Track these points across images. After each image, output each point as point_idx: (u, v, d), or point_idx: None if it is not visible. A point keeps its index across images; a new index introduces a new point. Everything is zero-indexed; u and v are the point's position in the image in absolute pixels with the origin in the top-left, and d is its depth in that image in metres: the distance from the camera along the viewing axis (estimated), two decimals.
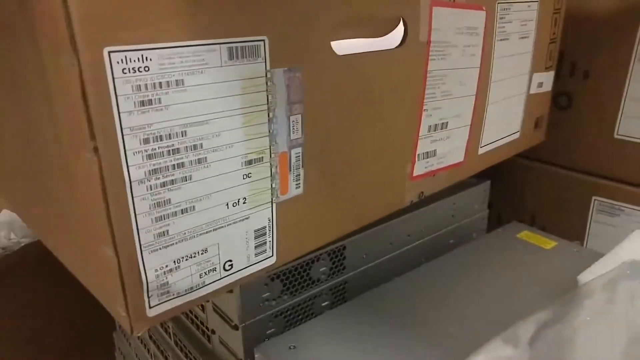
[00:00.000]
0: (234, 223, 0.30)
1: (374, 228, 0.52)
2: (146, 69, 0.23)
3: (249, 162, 0.29)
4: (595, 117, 0.65)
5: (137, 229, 0.25)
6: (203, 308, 0.49)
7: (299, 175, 0.33)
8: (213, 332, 0.49)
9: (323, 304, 0.50)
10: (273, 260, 0.34)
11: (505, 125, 0.54)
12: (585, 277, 0.42)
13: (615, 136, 0.64)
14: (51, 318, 0.87)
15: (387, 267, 0.54)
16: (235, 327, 0.44)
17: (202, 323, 0.51)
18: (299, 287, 0.47)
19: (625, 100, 0.61)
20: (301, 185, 0.33)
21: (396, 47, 0.36)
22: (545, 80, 0.58)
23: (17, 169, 0.38)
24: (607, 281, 0.41)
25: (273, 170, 0.31)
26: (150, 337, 0.63)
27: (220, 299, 0.45)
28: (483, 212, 0.65)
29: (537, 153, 0.69)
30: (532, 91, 0.56)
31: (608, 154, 0.65)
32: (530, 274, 0.50)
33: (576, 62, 0.64)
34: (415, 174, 0.44)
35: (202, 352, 0.51)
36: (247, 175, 0.29)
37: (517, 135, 0.56)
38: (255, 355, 0.42)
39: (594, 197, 0.67)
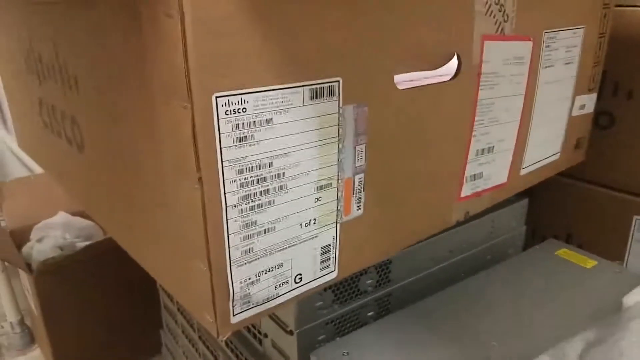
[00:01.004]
0: (305, 241, 0.33)
1: (418, 244, 0.55)
2: (244, 110, 0.27)
3: (320, 187, 0.33)
4: (637, 136, 0.66)
5: (229, 246, 0.29)
6: None
7: (360, 198, 0.36)
8: (266, 335, 0.53)
9: (369, 314, 0.53)
10: (335, 274, 0.37)
11: (547, 147, 0.56)
12: (630, 299, 0.44)
13: None
14: (103, 314, 0.93)
15: (428, 281, 0.56)
16: (291, 333, 0.47)
17: (254, 327, 0.55)
18: (348, 297, 0.50)
19: None
20: (362, 207, 0.36)
21: (450, 80, 0.39)
22: (588, 102, 0.60)
23: (103, 184, 0.42)
24: None
25: (339, 194, 0.34)
26: (200, 337, 0.68)
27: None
28: (520, 229, 0.67)
29: (576, 171, 0.70)
30: (574, 113, 0.58)
31: None
32: (571, 292, 0.52)
33: (619, 81, 0.66)
34: (462, 195, 0.46)
35: (252, 354, 0.55)
36: (318, 199, 0.33)
37: (557, 156, 0.58)
38: (311, 359, 0.45)
39: (635, 217, 0.68)
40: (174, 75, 0.25)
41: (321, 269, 0.36)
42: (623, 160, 0.68)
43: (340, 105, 0.32)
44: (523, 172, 0.54)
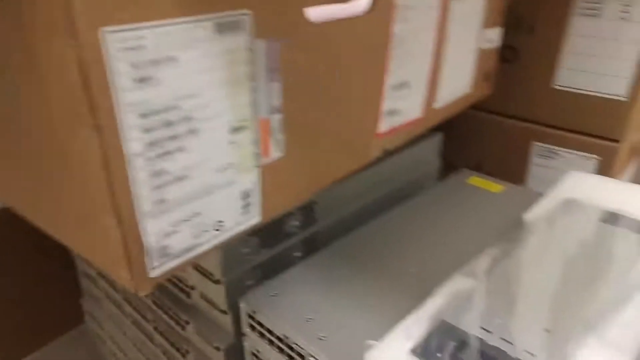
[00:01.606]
0: (224, 187, 0.32)
1: (340, 183, 0.56)
2: (142, 47, 0.24)
3: (235, 130, 0.31)
4: (536, 69, 0.70)
5: (137, 198, 0.27)
6: None
7: (279, 139, 0.35)
8: (193, 288, 0.52)
9: (296, 255, 0.53)
10: (258, 219, 0.36)
11: (458, 81, 0.57)
12: (529, 215, 0.48)
13: (554, 87, 0.69)
14: (17, 288, 0.86)
15: (353, 218, 0.58)
16: (218, 282, 0.47)
17: (180, 280, 0.53)
18: (274, 240, 0.50)
19: (564, 54, 0.67)
20: (281, 148, 0.35)
21: (364, 13, 0.38)
22: (494, 36, 0.62)
23: None
24: (548, 218, 0.47)
25: (256, 136, 0.33)
26: (125, 299, 0.65)
27: (201, 258, 0.48)
28: (436, 163, 0.70)
29: (483, 103, 0.74)
30: (483, 47, 0.59)
31: (546, 103, 0.71)
32: (481, 215, 0.56)
33: (522, 17, 0.68)
34: (380, 131, 0.47)
35: (182, 309, 0.54)
36: (234, 142, 0.31)
37: (468, 90, 0.60)
38: (241, 305, 0.45)
39: (533, 142, 0.73)
40: (54, 7, 0.22)
41: (243, 215, 0.35)
42: (524, 92, 0.72)
43: (251, 40, 0.29)
44: (437, 106, 0.55)
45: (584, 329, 0.35)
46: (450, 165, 0.81)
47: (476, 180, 0.64)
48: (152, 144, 0.26)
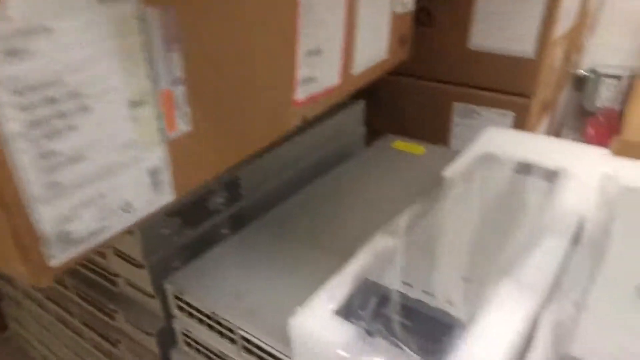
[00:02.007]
0: (128, 166, 0.30)
1: (262, 156, 0.55)
2: (7, 17, 0.22)
3: (134, 104, 0.29)
4: (451, 31, 0.71)
5: (24, 183, 0.25)
6: (103, 255, 0.49)
7: (186, 112, 0.33)
8: (117, 275, 0.50)
9: (224, 232, 0.52)
10: (171, 196, 0.35)
11: (374, 46, 0.57)
12: (448, 172, 0.49)
13: (469, 48, 0.71)
14: None
15: (280, 191, 0.57)
16: (141, 266, 0.45)
17: (103, 269, 0.51)
18: (199, 219, 0.49)
19: (475, 15, 0.68)
20: (190, 121, 0.34)
21: None
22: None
23: None
24: (466, 172, 0.49)
25: (159, 110, 0.31)
26: (48, 297, 0.62)
27: (120, 242, 0.46)
28: (360, 130, 0.70)
29: (402, 68, 0.75)
30: (396, 11, 0.60)
31: (463, 64, 0.73)
32: (405, 177, 0.57)
33: None
34: (297, 99, 0.46)
35: (109, 298, 0.52)
36: (133, 118, 0.30)
37: (385, 55, 0.60)
38: (166, 287, 0.44)
39: (454, 103, 0.75)
40: None
41: (154, 193, 0.33)
42: (441, 54, 0.74)
43: (140, 8, 0.28)
44: (355, 72, 0.55)
45: (500, 274, 0.37)
46: (376, 132, 0.82)
47: (400, 144, 0.65)
48: (34, 124, 0.24)
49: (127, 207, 0.32)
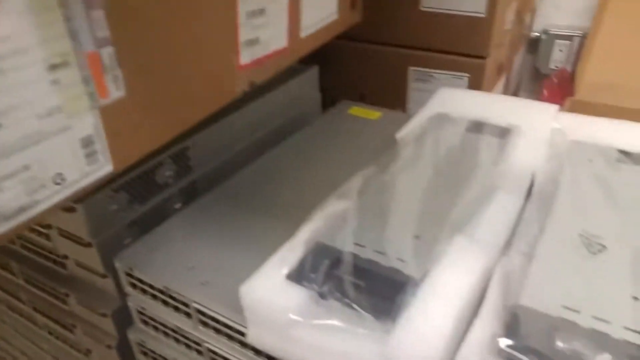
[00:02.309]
0: (54, 134, 0.28)
1: (212, 125, 0.53)
2: None
3: (54, 67, 0.27)
4: None
5: None
6: (48, 237, 0.47)
7: (117, 75, 0.31)
8: (66, 257, 0.48)
9: (176, 207, 0.51)
10: (110, 167, 0.33)
11: (323, 8, 0.56)
12: (401, 134, 0.49)
13: (421, 9, 0.70)
14: None
15: (234, 162, 0.55)
16: (89, 245, 0.43)
17: (50, 252, 0.49)
18: (147, 194, 0.47)
19: None
20: (122, 86, 0.32)
21: None
22: None
23: None
24: (418, 133, 0.48)
25: (84, 73, 0.29)
26: None
27: (65, 222, 0.44)
28: (316, 97, 0.69)
29: (357, 33, 0.73)
30: None
31: (417, 27, 0.72)
32: (360, 142, 0.57)
33: None
34: (242, 63, 0.44)
35: (60, 282, 0.50)
36: (55, 82, 0.27)
37: (335, 16, 0.59)
38: (116, 265, 0.42)
39: (410, 68, 0.75)
40: None
41: (89, 164, 0.31)
42: (395, 17, 0.73)
43: None
44: (303, 34, 0.53)
45: (452, 231, 0.37)
46: (334, 100, 0.81)
47: (356, 110, 0.64)
48: None
49: (58, 179, 0.30)
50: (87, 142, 0.31)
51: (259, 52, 0.46)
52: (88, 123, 0.30)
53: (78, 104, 0.29)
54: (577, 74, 0.88)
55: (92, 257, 0.44)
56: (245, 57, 0.44)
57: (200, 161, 0.52)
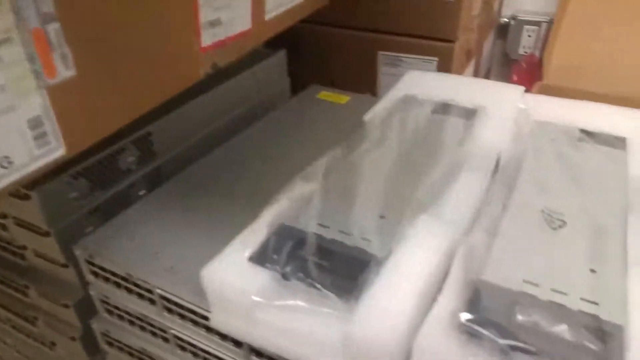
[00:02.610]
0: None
1: (176, 110, 0.52)
2: None
3: None
4: None
5: None
6: (4, 227, 0.45)
7: (65, 54, 0.30)
8: (24, 247, 0.46)
9: (140, 193, 0.50)
10: (62, 151, 0.32)
11: None
12: (368, 115, 0.49)
13: None
14: None
15: (199, 147, 0.54)
16: (47, 234, 0.42)
17: (8, 243, 0.47)
18: (109, 180, 0.46)
19: None
20: (71, 65, 0.31)
21: None
22: None
23: None
24: (385, 115, 0.48)
25: (29, 50, 0.28)
26: None
27: (21, 210, 0.42)
28: (284, 81, 0.68)
29: (325, 18, 0.73)
30: None
31: (386, 11, 0.71)
32: (328, 125, 0.56)
33: None
34: (203, 44, 0.43)
35: (19, 273, 0.48)
36: None
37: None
38: (76, 253, 0.41)
39: (379, 52, 0.74)
40: None
41: (38, 147, 0.30)
42: (365, 2, 0.72)
43: None
44: (268, 17, 0.52)
45: (417, 210, 0.37)
46: (305, 86, 0.80)
47: (325, 95, 0.64)
48: None
49: (5, 162, 0.28)
50: (35, 124, 0.30)
51: (221, 33, 0.45)
52: (35, 103, 0.29)
53: (23, 83, 0.28)
54: (544, 59, 0.89)
55: (51, 247, 0.43)
56: (207, 38, 0.43)
57: (164, 147, 0.51)
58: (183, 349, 0.41)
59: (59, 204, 0.41)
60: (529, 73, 1.07)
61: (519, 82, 1.06)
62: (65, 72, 0.30)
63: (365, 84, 0.76)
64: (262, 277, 0.32)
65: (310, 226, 0.34)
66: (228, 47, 0.47)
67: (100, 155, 0.44)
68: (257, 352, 0.36)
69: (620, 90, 0.74)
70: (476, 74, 0.95)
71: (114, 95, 0.35)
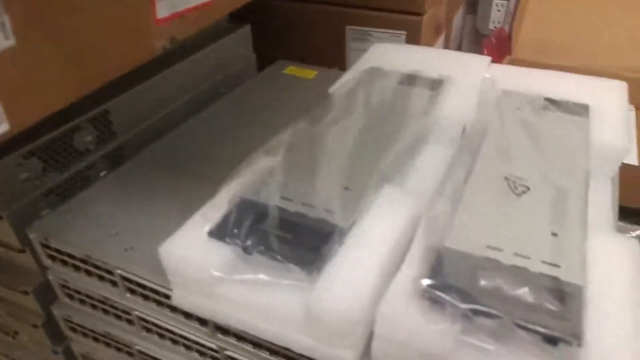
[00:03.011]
0: None
1: (136, 87, 0.50)
2: None
3: None
4: None
5: None
6: None
7: (3, 22, 0.28)
8: None
9: (102, 175, 0.48)
10: (4, 126, 0.30)
11: None
12: (333, 87, 0.48)
13: None
14: None
15: (162, 125, 0.53)
16: None
17: None
18: (64, 161, 0.44)
19: None
20: (10, 34, 0.29)
21: None
22: None
23: None
24: (351, 87, 0.47)
25: None
26: None
27: None
28: (250, 57, 0.66)
29: None
30: None
31: None
32: (295, 100, 0.55)
33: None
34: (159, 16, 0.41)
35: None
36: None
37: None
38: (30, 236, 0.39)
39: (347, 27, 0.73)
40: None
41: None
42: None
43: None
44: None
45: (381, 181, 0.36)
46: (273, 62, 0.79)
47: (292, 70, 0.62)
48: None
49: None
50: None
51: (179, 5, 0.43)
52: None
53: None
54: (513, 33, 0.89)
55: (4, 231, 0.41)
56: (163, 9, 0.41)
57: (124, 126, 0.49)
58: (148, 330, 0.40)
59: (10, 185, 0.40)
60: (498, 47, 1.07)
61: (488, 57, 1.07)
62: (4, 42, 0.29)
63: (335, 60, 0.75)
64: (222, 251, 0.31)
65: (272, 199, 0.34)
66: (187, 20, 0.45)
67: (53, 134, 0.42)
68: (223, 329, 0.35)
69: (587, 63, 0.75)
70: (446, 49, 0.95)
71: (60, 68, 0.33)
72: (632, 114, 0.73)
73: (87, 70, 0.36)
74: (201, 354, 0.38)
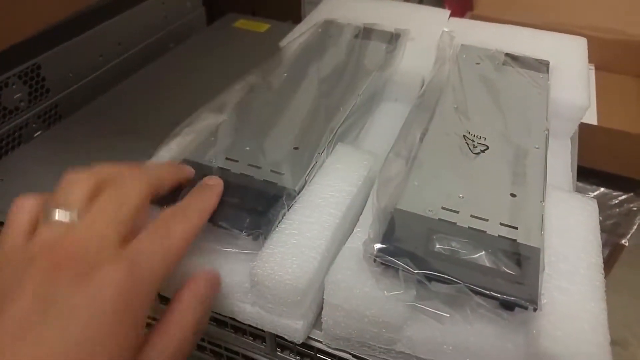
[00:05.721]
0: None
1: (71, 40, 0.45)
2: None
3: None
4: None
5: None
6: None
7: None
8: None
9: (36, 135, 0.44)
10: None
11: None
12: (285, 41, 0.45)
13: None
14: None
15: (103, 81, 0.49)
16: None
17: None
18: None
19: None
20: None
21: None
22: None
23: None
24: (303, 41, 0.44)
25: None
26: None
27: None
28: (198, 10, 0.62)
29: None
30: None
31: None
32: (245, 54, 0.52)
33: None
34: None
35: None
36: None
37: None
38: None
39: None
40: None
41: None
42: None
43: None
44: None
45: (334, 140, 0.34)
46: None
47: (242, 23, 0.58)
48: None
49: None
50: None
51: None
52: None
53: None
54: None
55: None
56: None
57: (59, 83, 0.45)
58: None
59: None
60: (460, 4, 1.05)
61: (450, 13, 1.04)
62: None
63: (289, 14, 0.71)
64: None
65: (217, 161, 0.31)
66: None
67: None
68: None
69: (548, 21, 0.74)
70: None
71: None
72: (592, 73, 0.73)
73: (9, 19, 0.32)
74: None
